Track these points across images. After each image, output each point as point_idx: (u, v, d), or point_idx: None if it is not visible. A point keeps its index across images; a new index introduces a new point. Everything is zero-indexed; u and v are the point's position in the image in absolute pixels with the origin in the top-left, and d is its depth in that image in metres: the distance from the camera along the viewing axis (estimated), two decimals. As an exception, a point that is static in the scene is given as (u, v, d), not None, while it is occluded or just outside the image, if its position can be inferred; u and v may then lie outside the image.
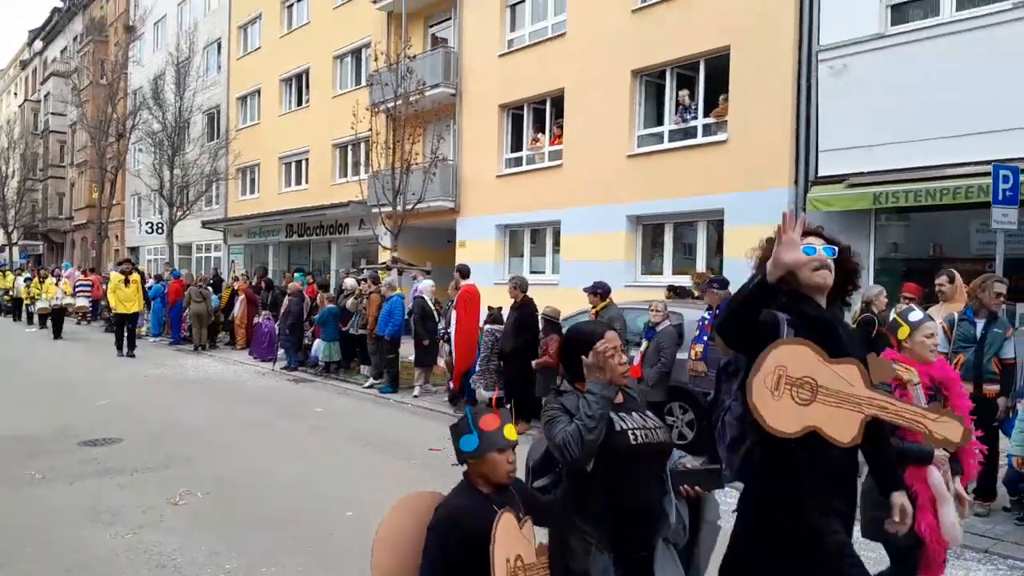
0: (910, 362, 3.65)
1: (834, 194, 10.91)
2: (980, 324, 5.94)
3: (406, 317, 11.87)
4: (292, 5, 26.55)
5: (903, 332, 3.72)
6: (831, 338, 2.66)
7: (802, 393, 2.59)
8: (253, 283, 17.51)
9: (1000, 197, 7.67)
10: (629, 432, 2.57)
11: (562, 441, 2.45)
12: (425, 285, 11.83)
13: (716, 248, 13.25)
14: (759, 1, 12.33)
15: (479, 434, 2.44)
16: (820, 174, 11.46)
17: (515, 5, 17.69)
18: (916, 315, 3.77)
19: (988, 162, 8.27)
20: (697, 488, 2.64)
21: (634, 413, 2.66)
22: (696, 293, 10.41)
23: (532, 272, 16.71)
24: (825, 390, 2.60)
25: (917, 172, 10.11)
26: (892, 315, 3.96)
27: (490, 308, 10.06)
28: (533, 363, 8.74)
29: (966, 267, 8.53)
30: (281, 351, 14.40)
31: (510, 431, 2.49)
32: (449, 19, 19.64)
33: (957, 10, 10.32)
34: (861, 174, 10.77)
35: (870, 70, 10.94)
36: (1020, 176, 7.88)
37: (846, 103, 11.14)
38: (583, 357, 2.63)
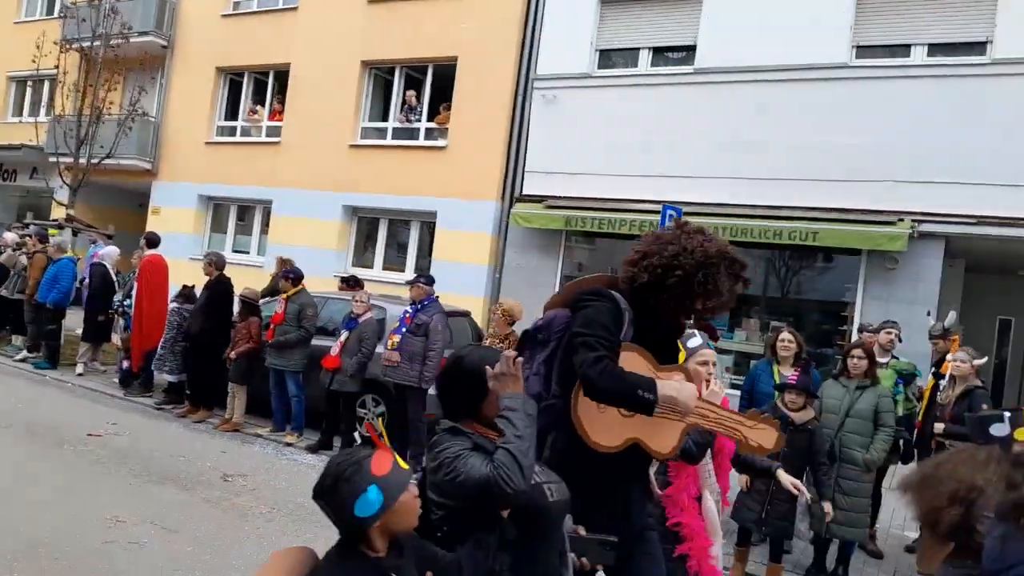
0: None
1: (533, 212, 11.86)
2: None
3: (77, 284, 10.52)
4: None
5: (680, 358, 3.26)
6: (669, 345, 2.59)
7: None
8: None
9: (664, 234, 8.91)
10: (544, 486, 2.20)
11: (492, 472, 1.97)
12: (108, 251, 10.60)
13: (428, 249, 13.63)
14: (487, 23, 12.92)
15: (379, 484, 1.78)
16: (524, 192, 12.36)
17: (246, -34, 16.60)
18: (695, 341, 3.36)
19: (659, 202, 9.57)
20: (584, 560, 2.30)
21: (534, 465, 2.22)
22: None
23: (235, 251, 15.73)
24: None
25: (604, 203, 11.37)
26: None
27: (185, 286, 9.30)
28: (232, 353, 8.22)
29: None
30: (-96, 311, 11.90)
31: (401, 460, 1.91)
32: (169, -36, 17.80)
33: (652, 66, 11.83)
34: (559, 197, 11.82)
35: (576, 105, 12.08)
36: (682, 217, 9.24)
37: (554, 131, 12.17)
38: (487, 369, 2.15)
